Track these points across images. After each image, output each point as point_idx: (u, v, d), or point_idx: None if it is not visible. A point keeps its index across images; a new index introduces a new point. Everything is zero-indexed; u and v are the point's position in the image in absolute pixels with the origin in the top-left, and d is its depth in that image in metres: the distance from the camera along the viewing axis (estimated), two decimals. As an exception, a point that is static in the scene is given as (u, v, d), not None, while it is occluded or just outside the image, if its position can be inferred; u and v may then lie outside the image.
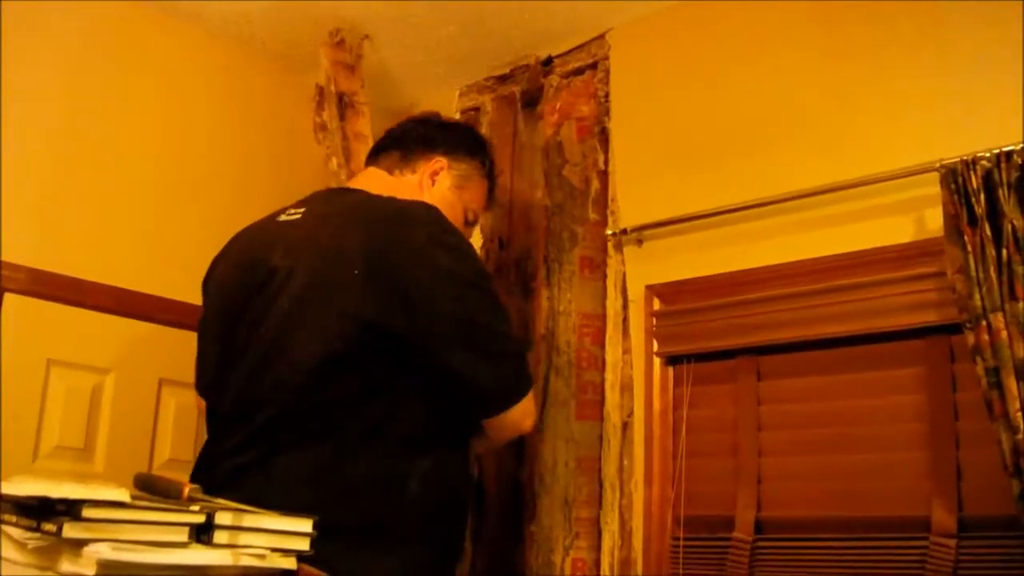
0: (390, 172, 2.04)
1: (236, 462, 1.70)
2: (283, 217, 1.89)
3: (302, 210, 1.88)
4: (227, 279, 1.91)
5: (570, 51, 2.90)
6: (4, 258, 2.43)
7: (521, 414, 1.85)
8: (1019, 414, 1.76)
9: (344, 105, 2.90)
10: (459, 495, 1.88)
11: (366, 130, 2.87)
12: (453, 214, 1.99)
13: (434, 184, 2.04)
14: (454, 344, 1.72)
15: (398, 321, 1.67)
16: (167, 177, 2.84)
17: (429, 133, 2.09)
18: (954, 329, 1.99)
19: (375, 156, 2.11)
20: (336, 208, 1.86)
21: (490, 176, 2.18)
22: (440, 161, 2.06)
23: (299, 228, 1.83)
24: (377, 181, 2.00)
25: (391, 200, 1.83)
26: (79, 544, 1.03)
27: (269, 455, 1.68)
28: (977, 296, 1.85)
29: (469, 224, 2.15)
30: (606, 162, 2.71)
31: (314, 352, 1.68)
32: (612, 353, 2.57)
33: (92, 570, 1.01)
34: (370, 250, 1.70)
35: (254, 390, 1.74)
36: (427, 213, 1.78)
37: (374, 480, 1.68)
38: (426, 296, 1.69)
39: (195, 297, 2.02)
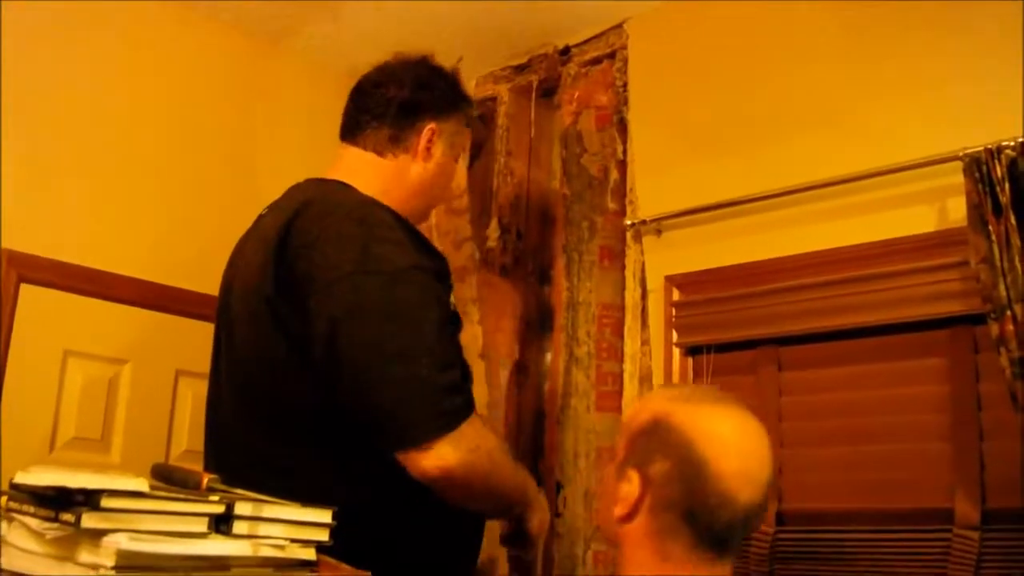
0: (381, 155, 1.78)
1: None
2: (262, 213, 1.79)
3: (269, 206, 1.78)
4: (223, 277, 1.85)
5: (588, 40, 2.88)
6: (21, 249, 2.44)
7: (417, 460, 1.43)
8: (1045, 405, 1.74)
9: None
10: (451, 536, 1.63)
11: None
12: (449, 178, 1.88)
13: (431, 154, 1.80)
14: (342, 343, 1.45)
15: (288, 299, 1.50)
16: (186, 168, 2.84)
17: (413, 98, 1.81)
18: (978, 319, 1.97)
19: (353, 134, 1.82)
20: (291, 198, 1.70)
21: (470, 119, 1.96)
22: (430, 127, 1.80)
23: (257, 224, 1.75)
24: (365, 167, 1.78)
25: (342, 192, 1.67)
26: (98, 534, 1.02)
27: (218, 466, 1.59)
28: (1002, 286, 1.83)
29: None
30: (624, 151, 2.70)
31: (247, 344, 1.61)
32: (631, 344, 2.56)
33: (111, 560, 1.01)
34: (284, 223, 1.56)
35: (213, 390, 1.74)
36: (361, 205, 1.60)
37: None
38: (319, 268, 1.48)
39: (212, 288, 2.01)
